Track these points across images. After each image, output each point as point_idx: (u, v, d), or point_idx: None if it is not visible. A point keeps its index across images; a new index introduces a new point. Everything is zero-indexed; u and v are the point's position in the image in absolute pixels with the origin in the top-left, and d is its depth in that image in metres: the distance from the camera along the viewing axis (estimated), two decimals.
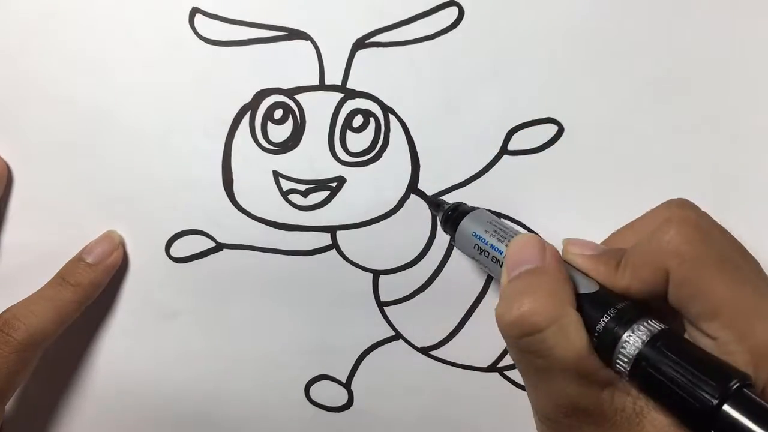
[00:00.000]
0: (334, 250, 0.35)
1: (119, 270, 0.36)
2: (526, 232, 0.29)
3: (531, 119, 0.34)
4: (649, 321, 0.24)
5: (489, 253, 0.30)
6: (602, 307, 0.25)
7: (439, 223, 0.34)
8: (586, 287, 0.26)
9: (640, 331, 0.24)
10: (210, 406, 0.37)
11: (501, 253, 0.29)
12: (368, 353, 0.36)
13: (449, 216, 0.32)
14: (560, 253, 0.28)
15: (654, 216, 0.28)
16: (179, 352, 0.37)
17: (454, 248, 0.35)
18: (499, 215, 0.35)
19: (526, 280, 0.26)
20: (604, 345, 0.25)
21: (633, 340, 0.24)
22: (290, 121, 0.34)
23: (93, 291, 0.34)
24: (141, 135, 0.35)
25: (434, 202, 0.34)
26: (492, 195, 0.35)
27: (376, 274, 0.36)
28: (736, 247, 0.26)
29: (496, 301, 0.35)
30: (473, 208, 0.32)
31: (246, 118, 0.34)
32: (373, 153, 0.35)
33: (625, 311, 0.25)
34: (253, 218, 0.35)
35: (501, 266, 0.29)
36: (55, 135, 0.35)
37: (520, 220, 0.35)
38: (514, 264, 0.27)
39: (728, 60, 0.33)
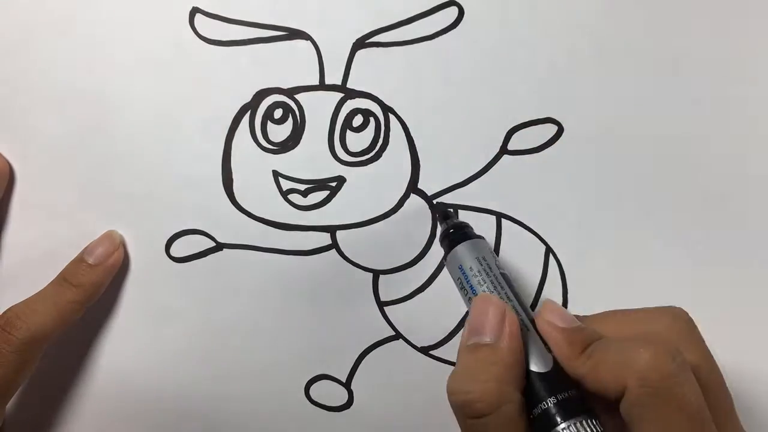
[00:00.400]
0: (334, 249, 0.35)
1: (119, 270, 0.35)
2: (501, 288, 0.28)
3: (531, 119, 0.34)
4: (589, 421, 0.24)
5: (467, 292, 0.29)
6: (548, 390, 0.25)
7: (437, 234, 0.33)
8: (541, 363, 0.26)
9: (576, 429, 0.24)
10: (210, 405, 0.37)
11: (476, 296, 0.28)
12: (368, 353, 0.36)
13: (448, 233, 0.31)
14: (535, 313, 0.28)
15: (647, 319, 0.27)
16: (179, 352, 0.37)
17: None
18: (500, 215, 0.35)
19: (478, 359, 0.26)
20: (539, 428, 0.25)
21: None
22: (290, 120, 0.34)
23: (95, 291, 0.34)
24: (141, 134, 0.35)
25: (442, 213, 0.33)
26: (492, 194, 0.35)
27: (376, 273, 0.36)
28: (714, 383, 0.26)
29: None
30: (475, 236, 0.31)
31: (246, 118, 0.34)
32: (373, 153, 0.35)
33: (569, 402, 0.25)
34: (252, 218, 0.35)
35: None
36: (55, 135, 0.35)
37: (521, 219, 0.35)
38: (471, 330, 0.27)
39: (729, 60, 0.33)
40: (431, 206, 0.34)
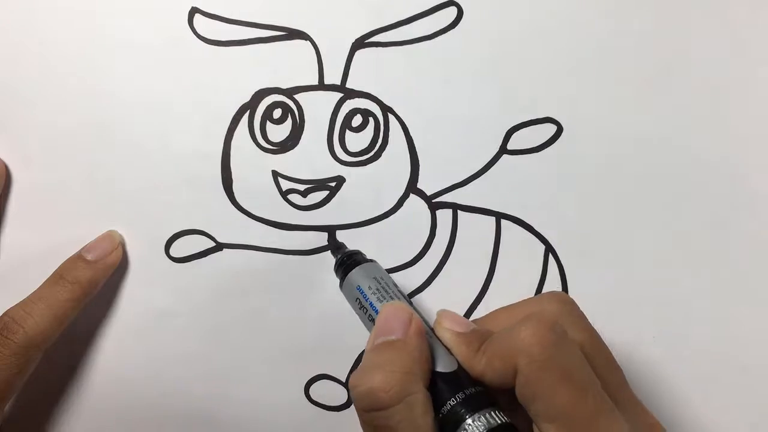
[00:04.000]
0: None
1: (119, 270, 0.35)
2: (401, 300, 0.29)
3: (530, 119, 0.34)
4: (494, 412, 0.24)
5: (367, 310, 0.30)
6: (453, 389, 0.25)
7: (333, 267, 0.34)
8: (445, 365, 0.26)
9: (481, 421, 0.24)
10: (209, 405, 0.37)
11: (377, 313, 0.29)
12: None
13: (343, 261, 0.32)
14: (432, 323, 0.28)
15: (531, 304, 0.28)
16: (179, 352, 0.37)
17: (454, 247, 0.35)
18: (499, 215, 0.35)
19: (383, 353, 0.26)
20: (448, 427, 0.25)
21: (472, 429, 0.24)
22: (289, 120, 0.34)
23: (91, 289, 0.34)
24: (140, 134, 0.35)
25: (334, 245, 0.34)
26: (491, 194, 0.35)
27: None
28: (601, 357, 0.26)
29: (497, 302, 0.35)
30: (368, 260, 0.32)
31: (245, 118, 0.34)
32: (373, 152, 0.35)
33: (474, 397, 0.25)
34: (252, 218, 0.35)
35: None
36: (54, 135, 0.35)
37: (521, 218, 0.35)
38: (379, 332, 0.27)
39: (728, 60, 0.33)
40: (329, 244, 0.35)
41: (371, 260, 0.32)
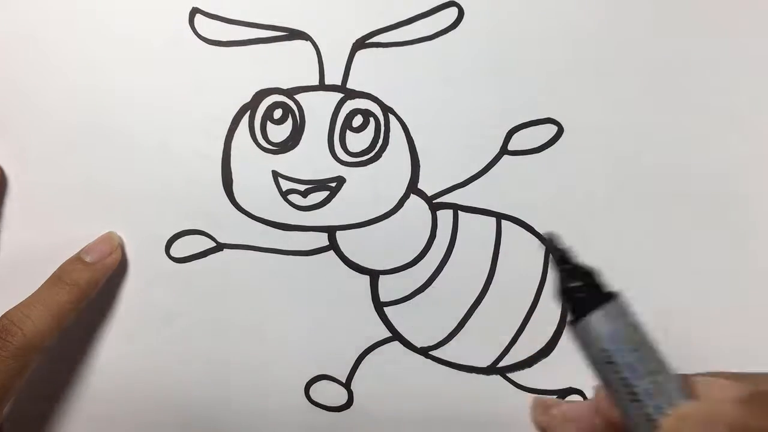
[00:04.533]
0: (333, 250, 0.35)
1: (119, 270, 0.35)
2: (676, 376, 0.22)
3: (531, 119, 0.34)
4: None
5: (628, 388, 0.21)
6: None
7: (557, 282, 0.24)
8: None
9: None
10: (210, 406, 0.37)
11: (661, 410, 0.21)
12: (368, 353, 0.36)
13: (575, 290, 0.23)
14: None
15: None
16: (179, 353, 0.37)
17: (454, 248, 0.35)
18: (500, 215, 0.35)
19: None
20: None
21: None
22: (290, 121, 0.34)
23: (90, 290, 0.34)
24: (141, 135, 0.35)
25: (558, 254, 0.24)
26: (492, 195, 0.35)
27: (376, 274, 0.36)
28: None
29: (496, 302, 0.35)
30: (610, 295, 0.22)
31: (245, 118, 0.34)
32: (373, 153, 0.35)
33: None
34: (252, 218, 0.35)
35: (642, 413, 0.21)
36: (54, 135, 0.35)
37: (522, 218, 0.35)
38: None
39: (728, 60, 0.33)
40: (548, 248, 0.29)
41: (615, 294, 0.23)
